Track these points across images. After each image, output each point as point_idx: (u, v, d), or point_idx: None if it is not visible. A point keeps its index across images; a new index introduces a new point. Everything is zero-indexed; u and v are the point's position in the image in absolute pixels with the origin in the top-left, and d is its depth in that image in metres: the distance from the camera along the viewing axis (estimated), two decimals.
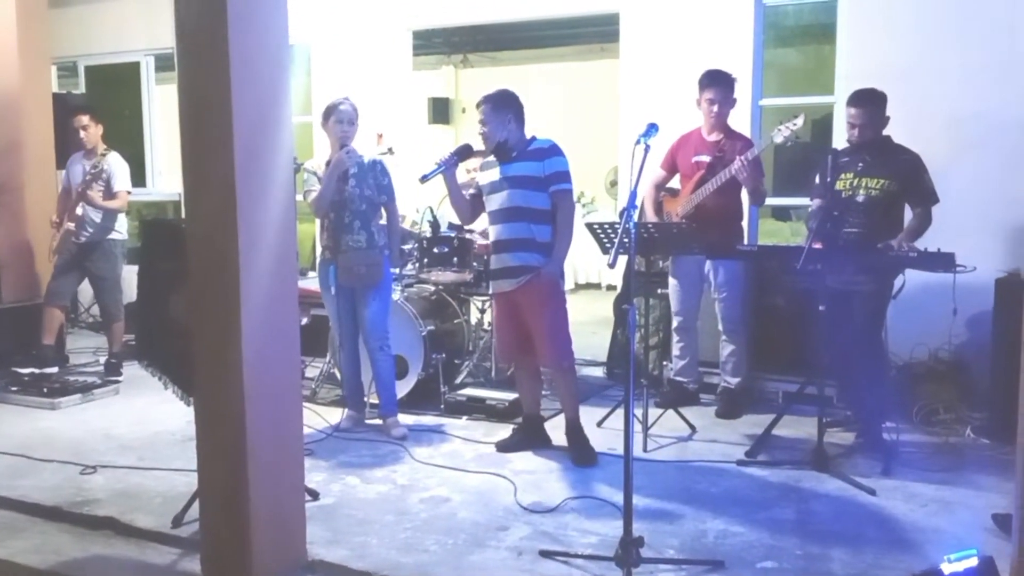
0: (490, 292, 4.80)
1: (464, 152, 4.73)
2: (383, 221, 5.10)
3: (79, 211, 6.23)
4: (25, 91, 6.92)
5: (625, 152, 6.08)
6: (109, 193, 6.25)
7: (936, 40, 5.41)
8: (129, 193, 6.45)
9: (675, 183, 5.62)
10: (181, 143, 3.30)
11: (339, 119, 4.89)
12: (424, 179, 4.67)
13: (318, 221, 5.17)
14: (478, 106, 4.56)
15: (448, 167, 4.61)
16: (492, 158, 4.62)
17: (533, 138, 4.60)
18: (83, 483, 4.27)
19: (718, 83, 5.27)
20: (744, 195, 5.36)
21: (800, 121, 4.86)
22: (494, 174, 4.58)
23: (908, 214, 4.74)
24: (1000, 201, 5.24)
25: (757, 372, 5.66)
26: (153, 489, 4.17)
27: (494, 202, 4.58)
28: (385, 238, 5.06)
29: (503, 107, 4.53)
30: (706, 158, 5.28)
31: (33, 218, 6.86)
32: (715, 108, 5.27)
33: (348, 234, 4.91)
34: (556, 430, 4.87)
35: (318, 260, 5.23)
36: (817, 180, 4.82)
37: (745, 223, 5.87)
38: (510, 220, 4.53)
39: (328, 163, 4.92)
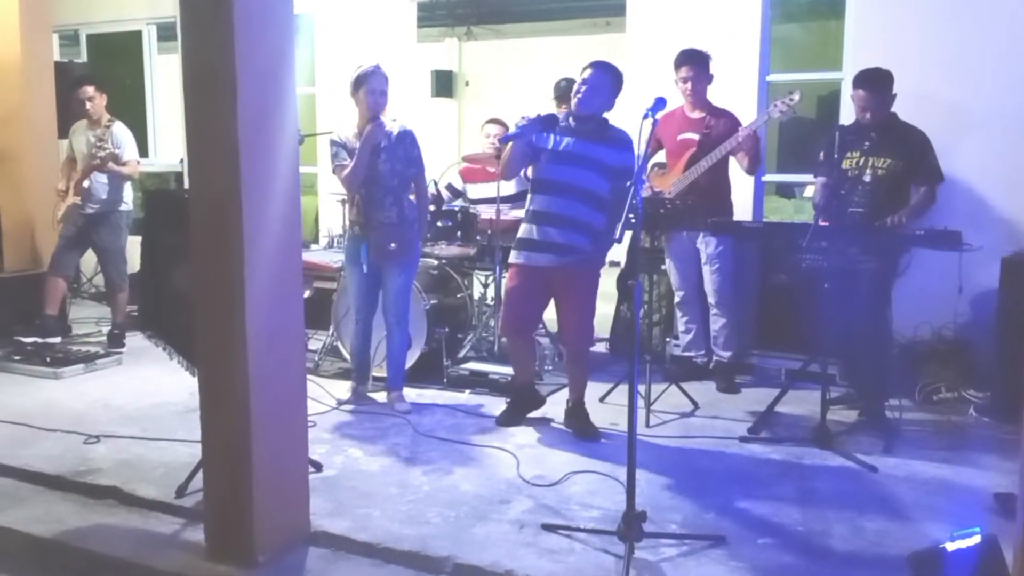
0: (515, 260, 4.57)
1: (549, 122, 4.46)
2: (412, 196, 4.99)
3: (85, 183, 6.19)
4: (26, 60, 6.87)
5: (631, 127, 6.04)
6: (118, 164, 6.21)
7: (944, 19, 5.36)
8: (139, 163, 6.42)
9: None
10: (184, 113, 3.27)
11: (371, 89, 4.71)
12: (505, 140, 4.53)
13: (322, 194, 5.13)
14: (588, 68, 4.40)
15: (527, 133, 4.42)
16: (563, 124, 4.46)
17: (608, 122, 4.47)
18: (86, 453, 4.28)
19: (689, 61, 5.28)
20: (731, 172, 5.36)
21: (797, 97, 4.85)
22: (566, 143, 4.41)
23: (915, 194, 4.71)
24: (1007, 180, 5.21)
25: (761, 349, 5.66)
26: (156, 459, 4.18)
27: (555, 172, 4.42)
28: (415, 212, 4.95)
29: (617, 86, 4.43)
30: (694, 136, 5.27)
31: (35, 188, 6.83)
32: (688, 86, 5.29)
33: (380, 210, 4.81)
34: (557, 405, 4.87)
35: (347, 236, 5.12)
36: (822, 157, 4.79)
37: (750, 200, 5.87)
38: (570, 198, 4.38)
39: (360, 134, 4.79)
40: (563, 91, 6.18)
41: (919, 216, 4.51)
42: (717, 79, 5.36)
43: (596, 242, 4.44)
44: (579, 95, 4.41)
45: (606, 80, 4.41)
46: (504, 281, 6.09)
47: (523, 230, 4.56)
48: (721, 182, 5.35)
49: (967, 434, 4.63)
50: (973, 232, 4.18)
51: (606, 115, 4.49)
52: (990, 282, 4.93)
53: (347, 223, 5.22)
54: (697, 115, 5.34)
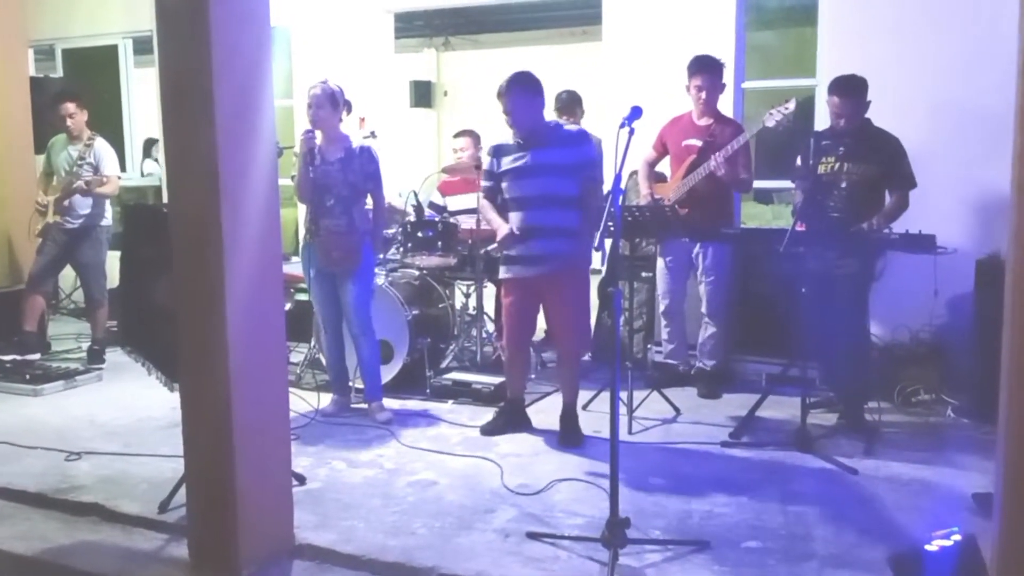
0: (505, 276, 4.66)
1: (498, 151, 4.59)
2: (370, 207, 5.06)
3: (66, 202, 6.15)
4: (2, 75, 6.85)
5: (608, 136, 6.08)
6: (99, 184, 6.19)
7: (916, 24, 5.42)
8: (119, 178, 6.40)
9: (664, 166, 5.65)
10: (162, 127, 3.28)
11: (309, 103, 4.88)
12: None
13: (302, 206, 5.16)
14: (504, 92, 4.45)
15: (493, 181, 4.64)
16: (513, 142, 4.54)
17: (557, 124, 4.58)
18: (68, 469, 4.26)
19: (705, 70, 5.29)
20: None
21: (792, 105, 4.89)
22: (522, 160, 4.49)
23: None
24: (980, 184, 5.27)
25: (741, 354, 5.70)
26: (138, 475, 4.16)
27: (522, 188, 4.51)
28: (369, 223, 5.02)
29: (536, 90, 4.48)
30: (697, 142, 5.31)
31: (12, 204, 6.80)
32: (703, 95, 5.30)
33: (328, 218, 4.88)
34: (539, 413, 4.90)
35: (301, 244, 5.22)
36: (799, 162, 4.84)
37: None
38: (540, 208, 4.47)
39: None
40: (564, 102, 6.24)
41: (892, 220, 4.56)
42: None
43: (577, 242, 4.47)
44: (511, 120, 4.49)
45: (524, 94, 4.46)
46: (492, 295, 6.20)
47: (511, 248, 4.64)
48: (721, 191, 5.34)
49: (946, 435, 4.68)
50: (948, 235, 4.23)
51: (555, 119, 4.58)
52: (966, 285, 4.98)
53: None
54: (704, 122, 5.37)
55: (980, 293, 4.92)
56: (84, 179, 6.06)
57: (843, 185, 4.66)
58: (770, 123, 4.96)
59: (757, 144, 5.21)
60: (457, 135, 6.29)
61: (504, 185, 4.58)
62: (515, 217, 4.57)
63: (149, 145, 9.05)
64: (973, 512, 3.57)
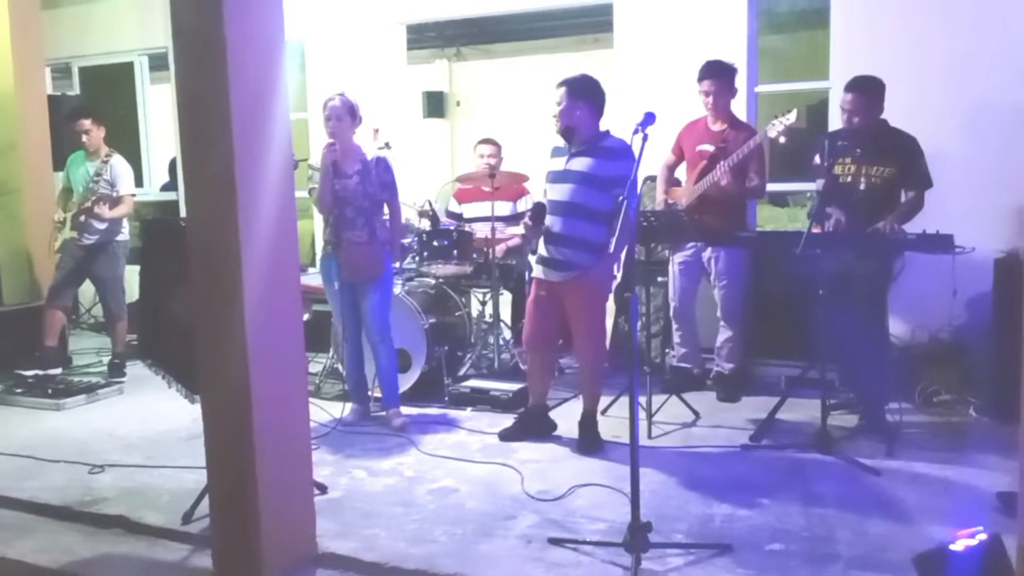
0: (533, 274, 4.77)
1: (560, 151, 4.64)
2: (386, 216, 5.09)
3: (82, 218, 6.21)
4: (20, 93, 6.92)
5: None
6: (112, 198, 6.24)
7: (929, 25, 5.41)
8: (133, 196, 6.45)
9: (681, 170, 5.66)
10: (179, 142, 3.31)
11: (327, 115, 4.91)
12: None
13: (318, 218, 5.20)
14: (558, 88, 4.51)
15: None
16: (564, 145, 4.57)
17: (607, 133, 4.53)
18: (91, 482, 4.29)
19: (711, 75, 5.30)
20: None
21: (793, 116, 4.90)
22: (560, 163, 4.55)
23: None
24: (997, 182, 5.25)
25: (759, 358, 5.68)
26: (161, 487, 4.19)
27: (555, 192, 4.55)
28: (388, 233, 5.06)
29: (578, 95, 4.48)
30: (709, 148, 5.31)
31: (32, 221, 6.86)
32: (710, 99, 5.31)
33: (350, 229, 4.93)
34: (558, 419, 4.89)
35: (320, 255, 5.26)
36: (817, 160, 4.82)
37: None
38: (565, 215, 4.49)
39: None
40: None
41: (907, 220, 4.55)
42: None
43: (598, 256, 4.42)
44: (556, 117, 4.51)
45: (566, 95, 4.48)
46: (508, 303, 6.24)
47: (538, 246, 4.73)
48: (733, 195, 5.31)
49: (968, 435, 4.65)
50: (965, 234, 4.21)
51: (605, 128, 4.55)
52: (984, 284, 4.96)
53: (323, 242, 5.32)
54: (718, 127, 5.38)
55: (999, 292, 4.89)
56: (97, 196, 6.11)
57: (862, 188, 4.65)
58: (772, 134, 4.98)
59: (770, 147, 5.20)
60: (483, 141, 6.31)
61: (545, 186, 4.64)
62: (547, 220, 4.61)
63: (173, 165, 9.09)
64: (998, 511, 3.55)
